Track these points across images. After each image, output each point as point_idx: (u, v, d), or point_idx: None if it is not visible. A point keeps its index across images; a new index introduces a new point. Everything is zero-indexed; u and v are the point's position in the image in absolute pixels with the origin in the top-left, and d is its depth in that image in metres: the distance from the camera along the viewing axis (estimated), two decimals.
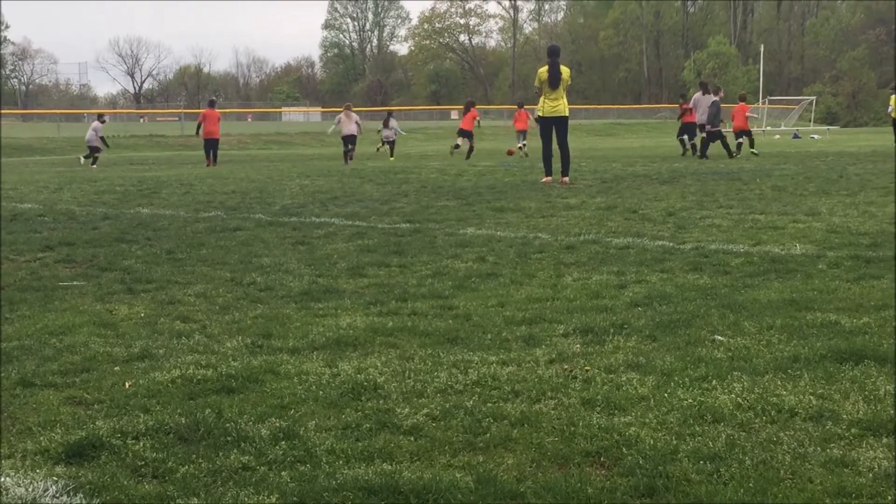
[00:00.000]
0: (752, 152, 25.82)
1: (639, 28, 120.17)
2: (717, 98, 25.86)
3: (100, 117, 33.90)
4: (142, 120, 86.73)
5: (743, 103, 27.60)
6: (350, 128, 29.22)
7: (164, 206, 13.81)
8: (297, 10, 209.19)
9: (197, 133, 31.93)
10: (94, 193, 16.78)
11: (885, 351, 4.67)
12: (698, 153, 25.71)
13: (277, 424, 3.84)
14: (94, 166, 30.47)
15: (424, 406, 4.06)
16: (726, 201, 12.49)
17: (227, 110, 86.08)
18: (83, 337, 5.46)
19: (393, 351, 5.03)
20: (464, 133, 30.11)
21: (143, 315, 6.11)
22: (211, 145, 30.42)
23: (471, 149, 29.81)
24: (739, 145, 26.53)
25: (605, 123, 77.82)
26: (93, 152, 31.70)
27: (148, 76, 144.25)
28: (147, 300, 6.63)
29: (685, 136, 28.84)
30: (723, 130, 25.89)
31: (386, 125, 34.25)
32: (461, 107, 37.03)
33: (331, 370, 4.66)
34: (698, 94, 27.73)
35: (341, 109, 30.48)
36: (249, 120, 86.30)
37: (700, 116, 26.97)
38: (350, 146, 28.97)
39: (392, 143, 33.81)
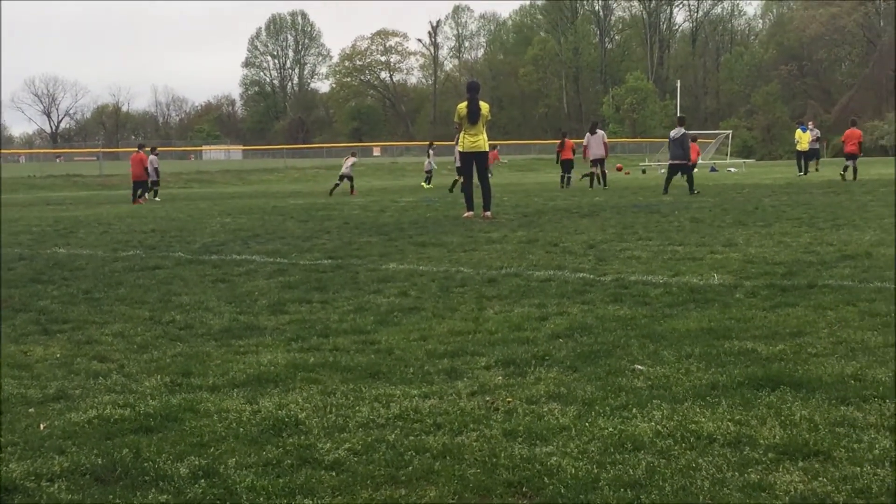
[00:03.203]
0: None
1: (558, 64, 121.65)
2: (684, 131, 25.43)
3: (153, 150, 34.81)
4: (58, 160, 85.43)
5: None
6: (344, 170, 32.83)
7: (81, 246, 13.60)
8: (216, 48, 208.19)
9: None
10: (10, 234, 16.49)
11: (800, 377, 4.75)
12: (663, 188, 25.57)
13: (197, 463, 3.79)
14: (155, 199, 32.19)
15: (346, 441, 4.04)
16: (646, 233, 12.65)
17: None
18: None
19: (314, 386, 4.99)
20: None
21: (58, 356, 6.00)
22: (135, 186, 31.50)
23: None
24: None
25: (526, 159, 78.45)
26: (152, 186, 32.95)
27: (65, 115, 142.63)
28: (63, 340, 6.52)
29: (568, 173, 32.09)
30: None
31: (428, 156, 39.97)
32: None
33: (251, 407, 4.61)
34: (588, 135, 31.15)
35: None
36: (192, 159, 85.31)
37: (594, 151, 30.51)
38: (344, 180, 32.43)
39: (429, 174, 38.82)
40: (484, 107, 16.97)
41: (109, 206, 27.81)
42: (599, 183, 30.30)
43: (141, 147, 33.76)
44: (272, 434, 4.17)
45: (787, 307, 6.78)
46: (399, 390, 4.84)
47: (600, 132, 31.11)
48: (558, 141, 33.54)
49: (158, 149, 38.22)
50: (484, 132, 17.15)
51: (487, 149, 17.36)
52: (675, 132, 25.29)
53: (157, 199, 32.60)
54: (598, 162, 30.45)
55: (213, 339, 6.39)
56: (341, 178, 32.86)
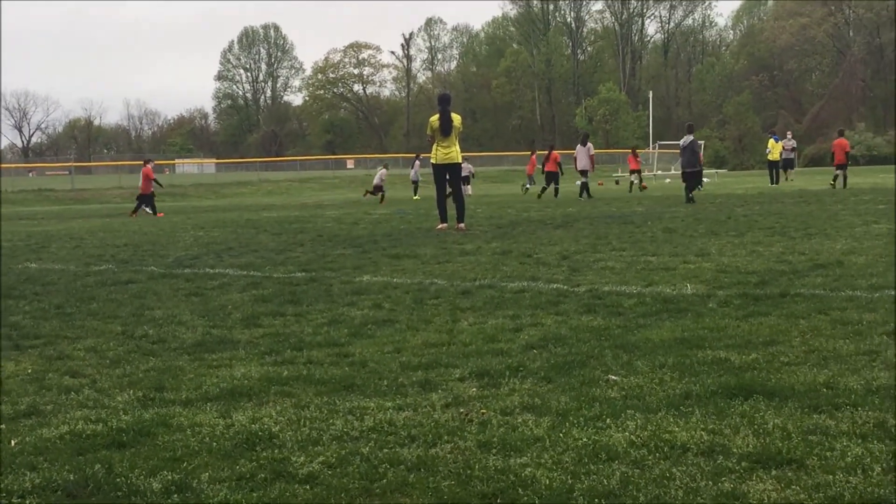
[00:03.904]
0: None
1: (531, 76, 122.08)
2: (693, 138, 25.13)
3: (148, 161, 35.00)
4: (30, 174, 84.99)
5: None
6: (376, 181, 35.97)
7: (53, 261, 13.51)
8: (189, 62, 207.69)
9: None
10: None
11: (772, 385, 4.77)
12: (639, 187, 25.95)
13: (170, 477, 3.76)
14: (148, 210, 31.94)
15: (320, 454, 4.02)
16: (619, 244, 12.68)
17: (119, 163, 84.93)
18: None
19: (288, 400, 4.98)
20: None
21: (30, 371, 5.95)
22: (144, 199, 31.68)
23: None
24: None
25: (499, 170, 78.61)
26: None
27: (36, 130, 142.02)
28: (35, 356, 6.47)
29: (552, 183, 32.86)
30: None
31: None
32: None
33: (225, 421, 4.59)
34: (578, 146, 32.26)
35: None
36: (167, 172, 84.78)
37: (580, 162, 31.30)
38: (376, 192, 35.33)
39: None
40: (456, 118, 17.02)
41: (82, 221, 27.67)
42: (587, 194, 30.85)
43: (147, 161, 34.09)
44: (246, 448, 4.15)
45: (760, 316, 6.81)
46: (373, 403, 4.83)
47: (589, 145, 31.93)
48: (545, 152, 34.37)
49: (155, 162, 38.24)
50: (456, 144, 17.19)
51: (460, 160, 17.44)
52: (685, 140, 25.13)
53: (148, 210, 32.59)
54: (583, 173, 31.21)
55: (187, 353, 6.36)
56: (376, 189, 34.90)
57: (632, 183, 37.49)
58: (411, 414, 4.61)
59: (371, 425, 4.42)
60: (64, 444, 4.31)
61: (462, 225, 16.75)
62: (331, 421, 4.53)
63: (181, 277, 10.73)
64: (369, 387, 5.19)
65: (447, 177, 17.37)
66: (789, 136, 41.57)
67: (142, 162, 36.37)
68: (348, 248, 13.62)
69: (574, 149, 33.90)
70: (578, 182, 31.18)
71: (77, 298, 9.25)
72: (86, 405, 5.03)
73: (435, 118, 17.01)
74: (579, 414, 4.45)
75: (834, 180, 31.43)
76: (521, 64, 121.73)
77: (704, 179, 46.22)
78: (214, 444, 4.22)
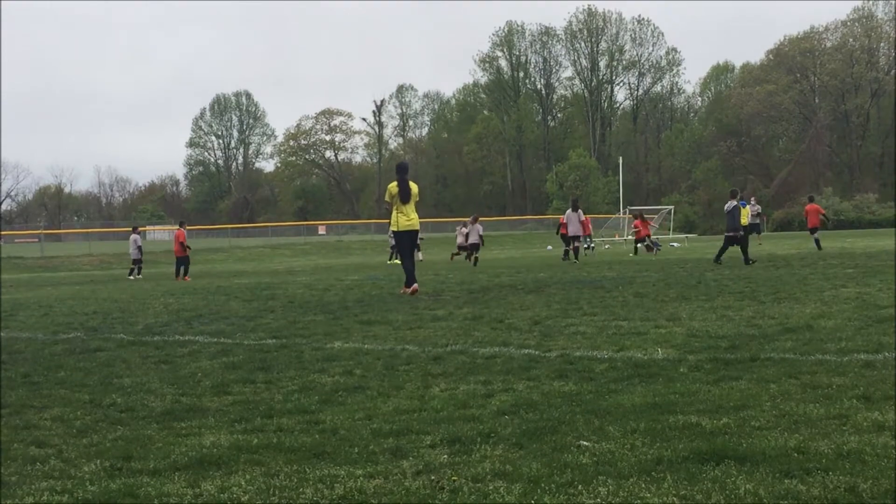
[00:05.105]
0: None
1: (502, 142, 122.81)
2: (737, 203, 25.75)
3: (135, 229, 37.04)
4: None
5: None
6: (472, 238, 34.93)
7: (21, 329, 13.40)
8: (160, 129, 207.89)
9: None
10: None
11: (744, 450, 4.77)
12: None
13: None
14: (138, 276, 33.28)
15: None
16: (590, 309, 12.70)
17: (90, 230, 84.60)
18: None
19: (258, 468, 4.93)
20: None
21: None
22: (178, 262, 32.30)
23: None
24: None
25: None
26: (135, 264, 34.55)
27: (6, 197, 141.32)
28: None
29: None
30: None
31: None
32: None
33: (193, 490, 4.53)
34: (569, 211, 32.44)
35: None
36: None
37: (571, 229, 31.69)
38: (461, 250, 36.34)
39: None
40: (413, 187, 17.47)
41: (51, 288, 27.46)
42: (575, 258, 31.34)
43: (182, 224, 34.42)
44: None
45: (731, 381, 6.83)
46: (343, 471, 4.79)
47: (580, 210, 32.39)
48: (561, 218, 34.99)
49: (140, 229, 38.88)
50: (415, 210, 17.54)
51: (418, 227, 17.79)
52: (729, 205, 25.74)
53: (133, 276, 33.41)
54: (574, 238, 31.74)
55: (155, 422, 6.30)
56: (461, 248, 36.15)
57: (648, 247, 38.22)
58: (382, 482, 4.58)
59: (341, 494, 4.38)
60: None
61: (408, 289, 16.94)
62: (301, 490, 4.48)
63: (150, 345, 10.66)
64: (340, 454, 5.15)
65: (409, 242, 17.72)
66: (753, 202, 42.17)
67: (130, 229, 38.00)
68: (319, 315, 13.57)
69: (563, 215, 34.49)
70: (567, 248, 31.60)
71: (44, 367, 9.17)
72: (51, 476, 4.96)
73: (393, 185, 17.36)
74: (551, 480, 4.43)
75: (817, 243, 32.83)
76: (491, 130, 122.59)
77: (674, 244, 46.64)
78: None
